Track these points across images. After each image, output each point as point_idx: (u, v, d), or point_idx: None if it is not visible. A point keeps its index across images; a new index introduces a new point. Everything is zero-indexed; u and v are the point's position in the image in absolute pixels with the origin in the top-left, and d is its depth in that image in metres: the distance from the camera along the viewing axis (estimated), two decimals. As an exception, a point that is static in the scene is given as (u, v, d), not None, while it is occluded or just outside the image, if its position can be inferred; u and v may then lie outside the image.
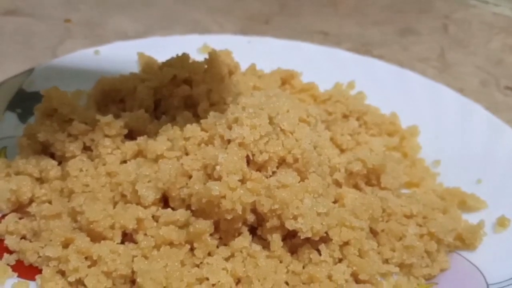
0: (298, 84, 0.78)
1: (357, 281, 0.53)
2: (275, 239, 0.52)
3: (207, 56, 0.72)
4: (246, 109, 0.55)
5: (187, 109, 0.67)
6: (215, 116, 0.58)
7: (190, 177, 0.54)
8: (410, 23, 1.16)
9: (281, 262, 0.53)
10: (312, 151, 0.55)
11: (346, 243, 0.53)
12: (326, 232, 0.52)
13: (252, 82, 0.75)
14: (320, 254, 0.52)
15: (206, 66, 0.70)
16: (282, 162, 0.54)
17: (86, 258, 0.50)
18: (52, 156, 0.61)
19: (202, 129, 0.58)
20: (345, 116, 0.72)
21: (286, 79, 0.78)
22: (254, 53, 0.83)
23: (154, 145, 0.58)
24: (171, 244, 0.52)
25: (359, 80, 0.81)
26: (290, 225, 0.51)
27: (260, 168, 0.54)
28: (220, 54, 0.73)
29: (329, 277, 0.51)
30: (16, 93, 0.71)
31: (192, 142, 0.57)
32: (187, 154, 0.57)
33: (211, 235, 0.52)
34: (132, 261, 0.51)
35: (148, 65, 0.75)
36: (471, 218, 0.60)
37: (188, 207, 0.54)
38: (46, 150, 0.62)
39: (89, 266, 0.50)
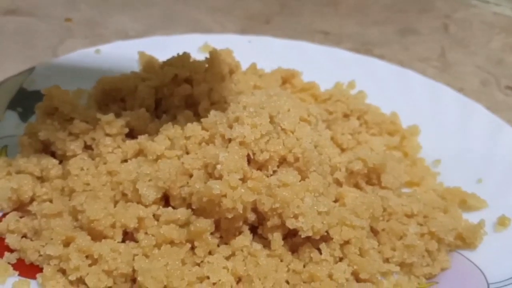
0: (298, 84, 0.78)
1: (358, 280, 0.53)
2: (276, 238, 0.52)
3: (208, 55, 0.72)
4: (247, 108, 0.56)
5: (188, 108, 0.67)
6: (216, 115, 0.58)
7: (191, 176, 0.54)
8: (410, 22, 1.16)
9: (281, 261, 0.53)
10: (312, 150, 0.55)
11: (347, 242, 0.53)
12: (326, 231, 0.52)
13: (253, 81, 0.75)
14: (320, 253, 0.52)
15: (207, 65, 0.71)
16: (282, 161, 0.54)
17: (87, 256, 0.51)
18: (53, 155, 0.61)
19: (203, 128, 0.58)
20: (346, 116, 0.72)
21: (287, 78, 0.78)
22: (255, 52, 0.83)
23: (154, 144, 0.58)
24: (171, 243, 0.52)
25: (359, 80, 0.81)
26: (290, 224, 0.51)
27: (261, 167, 0.54)
28: (221, 53, 0.73)
29: (330, 276, 0.51)
30: (17, 92, 0.71)
31: (193, 141, 0.58)
32: (187, 153, 0.57)
33: (211, 234, 0.52)
34: (133, 259, 0.51)
35: (149, 64, 0.75)
36: (472, 218, 0.60)
37: (188, 206, 0.54)
38: (47, 149, 0.62)
39: (90, 265, 0.50)
